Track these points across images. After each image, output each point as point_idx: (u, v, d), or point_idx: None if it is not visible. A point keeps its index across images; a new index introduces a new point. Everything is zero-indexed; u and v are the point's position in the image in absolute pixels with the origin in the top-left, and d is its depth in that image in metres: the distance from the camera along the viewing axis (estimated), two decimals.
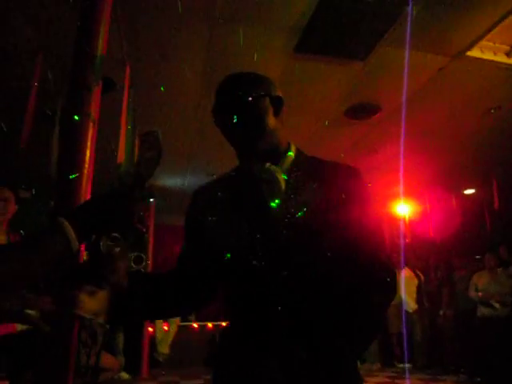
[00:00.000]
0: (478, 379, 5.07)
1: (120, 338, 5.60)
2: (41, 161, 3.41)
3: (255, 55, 3.17)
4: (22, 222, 2.39)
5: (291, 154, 1.13)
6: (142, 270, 7.03)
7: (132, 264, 7.10)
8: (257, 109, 1.07)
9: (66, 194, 1.21)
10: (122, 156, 3.12)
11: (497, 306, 4.80)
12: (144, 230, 6.41)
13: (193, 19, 2.80)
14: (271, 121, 1.09)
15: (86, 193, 1.23)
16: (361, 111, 4.13)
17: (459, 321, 5.45)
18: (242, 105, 1.07)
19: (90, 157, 1.22)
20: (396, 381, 5.30)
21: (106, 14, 1.41)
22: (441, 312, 5.79)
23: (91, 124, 1.24)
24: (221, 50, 3.11)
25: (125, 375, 5.51)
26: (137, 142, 3.94)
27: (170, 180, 5.99)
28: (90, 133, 1.25)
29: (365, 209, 1.07)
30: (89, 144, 1.23)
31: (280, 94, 1.13)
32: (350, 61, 3.28)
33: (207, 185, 1.20)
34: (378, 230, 1.11)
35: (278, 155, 1.11)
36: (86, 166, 1.22)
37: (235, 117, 1.07)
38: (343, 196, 1.05)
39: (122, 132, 3.18)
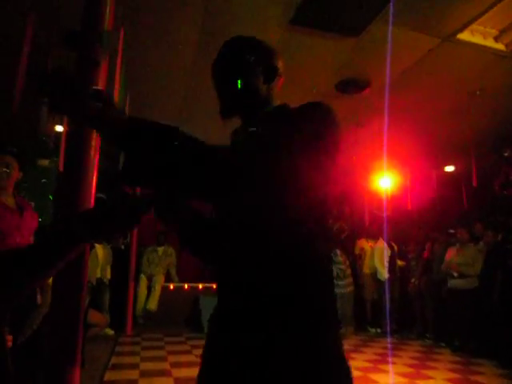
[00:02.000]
0: (442, 344, 5.47)
1: (106, 296, 5.77)
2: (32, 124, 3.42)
3: (251, 24, 3.19)
4: (39, 186, 2.46)
5: (269, 108, 1.13)
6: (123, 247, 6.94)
7: None
8: (240, 73, 1.10)
9: (75, 166, 1.29)
10: None
11: (455, 275, 5.11)
12: (130, 190, 6.44)
13: None
14: (258, 86, 1.12)
15: (93, 164, 1.31)
16: (351, 86, 4.20)
17: (430, 290, 5.79)
18: (225, 67, 1.12)
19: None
20: (368, 343, 5.67)
21: None
22: (412, 281, 6.12)
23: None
24: (216, 18, 3.10)
25: (109, 331, 5.72)
26: (127, 106, 3.96)
27: None
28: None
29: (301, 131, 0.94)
30: None
31: (277, 63, 1.15)
32: (344, 36, 3.32)
33: None
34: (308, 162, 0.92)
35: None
36: (94, 138, 1.30)
37: (219, 78, 1.13)
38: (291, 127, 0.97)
39: (115, 93, 3.20)
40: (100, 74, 1.34)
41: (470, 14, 3.07)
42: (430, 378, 4.09)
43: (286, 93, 4.22)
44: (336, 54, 3.59)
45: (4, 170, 2.27)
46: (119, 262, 6.06)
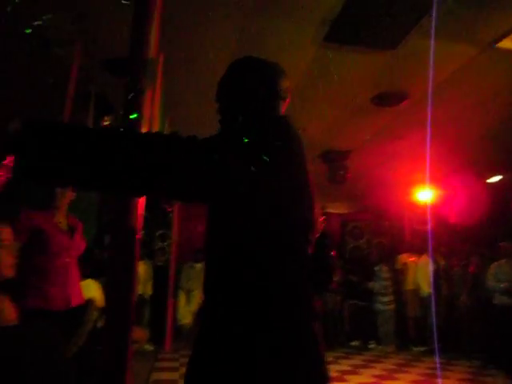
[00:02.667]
0: (491, 366, 5.17)
1: (146, 311, 5.89)
2: None
3: (285, 43, 3.23)
4: (76, 205, 2.59)
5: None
6: (166, 248, 7.29)
7: (157, 241, 7.38)
8: (239, 96, 1.18)
9: None
10: None
11: (502, 286, 4.83)
12: (170, 209, 6.61)
13: (227, 9, 2.87)
14: (257, 108, 1.16)
15: None
16: (388, 98, 4.15)
17: (478, 307, 5.51)
18: (226, 89, 1.21)
19: None
20: (411, 363, 5.45)
21: (156, 20, 1.51)
22: (461, 298, 5.84)
23: (147, 123, 1.37)
24: (252, 40, 3.17)
25: (149, 347, 5.82)
26: (168, 123, 4.08)
27: None
28: (145, 130, 1.38)
29: None
30: None
31: (281, 85, 1.19)
32: (379, 50, 3.30)
33: None
34: None
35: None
36: None
37: (220, 98, 1.22)
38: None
39: (155, 118, 3.32)
40: (145, 101, 1.40)
41: (508, 23, 2.98)
42: None
43: (321, 108, 4.26)
44: (372, 68, 3.57)
45: (59, 190, 2.37)
46: (159, 278, 6.19)
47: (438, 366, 5.19)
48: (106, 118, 4.00)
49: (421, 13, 2.86)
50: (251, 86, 1.17)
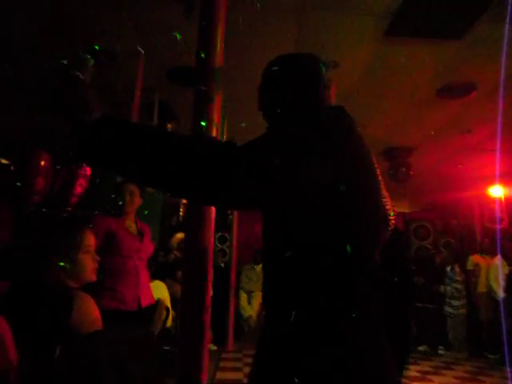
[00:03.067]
0: None
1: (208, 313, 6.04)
2: None
3: (345, 40, 3.17)
4: (141, 211, 2.73)
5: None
6: (226, 250, 7.45)
7: (217, 243, 7.54)
8: (277, 87, 1.17)
9: None
10: None
11: None
12: (230, 212, 6.73)
13: (281, 11, 2.87)
14: (294, 99, 1.13)
15: None
16: (454, 90, 3.92)
17: None
18: (265, 82, 1.24)
19: None
20: (485, 371, 5.11)
21: (221, 28, 1.54)
22: None
23: (215, 129, 1.40)
24: (310, 40, 3.14)
25: (213, 346, 5.95)
26: (226, 128, 4.16)
27: None
28: (214, 135, 1.41)
29: None
30: None
31: (320, 75, 1.14)
32: (444, 40, 3.13)
33: None
34: None
35: None
36: None
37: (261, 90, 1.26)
38: None
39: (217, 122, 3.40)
40: (214, 109, 1.43)
41: None
42: None
43: (385, 105, 4.13)
44: (436, 59, 3.39)
45: (129, 197, 2.53)
46: (220, 279, 6.32)
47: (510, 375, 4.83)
48: (168, 126, 4.16)
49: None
50: (294, 81, 1.14)
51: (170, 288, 4.22)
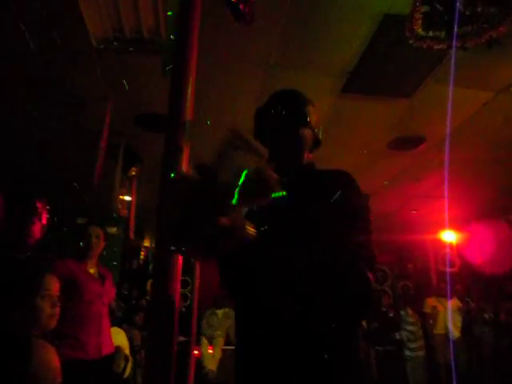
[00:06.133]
0: None
1: None
2: (107, 196, 3.76)
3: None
4: (109, 254, 2.69)
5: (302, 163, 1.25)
6: (188, 294, 7.28)
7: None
8: (305, 124, 1.24)
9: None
10: None
11: None
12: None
13: (248, 66, 3.07)
14: (309, 144, 1.27)
15: None
16: (405, 143, 4.23)
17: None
18: (294, 114, 1.23)
19: None
20: None
21: (192, 82, 1.64)
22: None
23: None
24: (272, 88, 3.34)
25: None
26: None
27: None
28: None
29: (347, 208, 1.06)
30: None
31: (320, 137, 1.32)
32: (395, 98, 3.43)
33: None
34: (360, 232, 1.07)
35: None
36: None
37: (284, 123, 1.22)
38: (329, 196, 1.07)
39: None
40: (183, 159, 1.50)
41: None
42: None
43: (340, 155, 4.37)
44: (388, 115, 3.69)
45: (95, 240, 2.49)
46: (181, 324, 6.14)
47: None
48: (133, 169, 4.19)
49: (434, 62, 2.99)
50: (312, 122, 1.30)
51: (127, 334, 4.07)
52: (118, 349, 2.81)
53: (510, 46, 2.81)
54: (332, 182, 1.14)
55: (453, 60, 2.39)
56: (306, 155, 1.25)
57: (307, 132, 1.24)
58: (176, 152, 1.51)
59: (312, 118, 1.26)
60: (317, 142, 1.29)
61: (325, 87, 3.25)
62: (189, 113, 1.62)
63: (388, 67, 3.04)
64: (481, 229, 6.39)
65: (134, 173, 4.20)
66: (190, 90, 1.65)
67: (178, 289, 1.40)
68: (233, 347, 6.82)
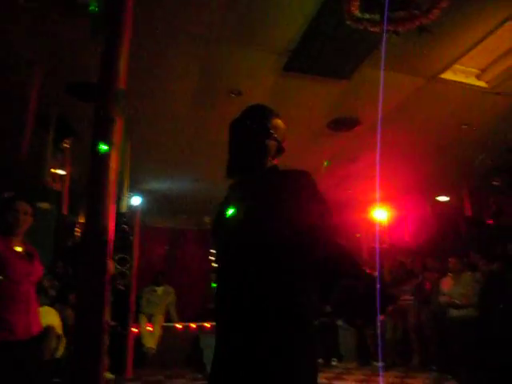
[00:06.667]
0: (449, 376, 5.41)
1: (104, 338, 5.69)
2: (37, 170, 3.54)
3: (247, 72, 3.38)
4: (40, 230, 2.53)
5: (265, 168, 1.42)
6: (127, 272, 7.11)
7: (116, 265, 7.19)
8: (263, 136, 1.41)
9: (95, 212, 1.38)
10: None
11: (460, 304, 5.10)
12: (129, 231, 6.48)
13: (189, 39, 2.98)
14: (270, 151, 1.42)
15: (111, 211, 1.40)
16: (342, 124, 4.38)
17: (432, 322, 5.77)
18: (249, 128, 1.41)
19: (114, 179, 1.41)
20: (372, 378, 5.58)
21: (125, 51, 1.58)
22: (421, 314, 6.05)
23: (115, 151, 1.42)
24: (214, 70, 3.30)
25: (109, 375, 5.60)
26: (128, 150, 4.09)
27: (158, 184, 6.13)
28: (114, 158, 1.42)
29: (304, 204, 1.28)
30: (114, 167, 1.41)
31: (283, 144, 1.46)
32: (334, 79, 3.52)
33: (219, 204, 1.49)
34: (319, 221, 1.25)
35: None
36: (111, 188, 1.40)
37: (241, 136, 1.41)
38: (287, 195, 1.29)
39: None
40: (115, 130, 1.45)
41: (451, 55, 3.28)
42: None
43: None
44: (327, 95, 3.78)
45: (22, 216, 2.32)
46: (118, 303, 6.02)
47: (398, 380, 5.36)
48: (66, 141, 3.96)
49: (371, 46, 3.10)
50: (270, 132, 1.45)
51: (61, 313, 3.93)
52: (49, 328, 2.71)
53: (440, 34, 2.98)
54: (289, 182, 1.33)
55: (383, 42, 2.49)
56: (269, 161, 1.42)
57: (270, 143, 1.41)
58: (107, 123, 1.46)
59: (275, 129, 1.43)
60: (281, 149, 1.45)
61: (267, 64, 3.26)
62: (121, 83, 1.56)
63: (329, 48, 3.11)
64: (407, 208, 6.85)
65: (66, 145, 3.98)
66: (122, 61, 1.60)
67: (109, 266, 1.37)
68: (172, 324, 6.84)
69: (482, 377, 4.86)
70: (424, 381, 5.31)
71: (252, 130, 1.40)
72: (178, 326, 6.91)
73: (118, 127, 1.49)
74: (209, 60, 3.18)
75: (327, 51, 3.14)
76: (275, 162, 1.45)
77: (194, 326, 6.94)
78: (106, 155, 1.37)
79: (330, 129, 4.43)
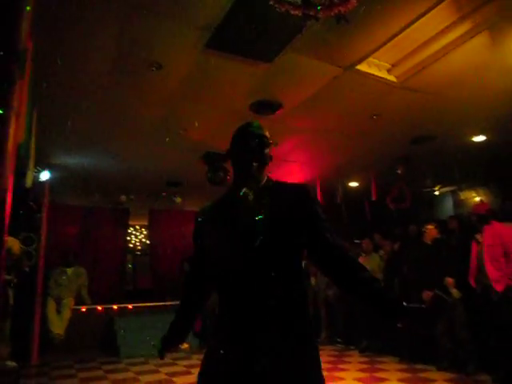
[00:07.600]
0: (352, 347, 5.92)
1: (7, 323, 5.28)
2: None
3: (168, 47, 3.27)
4: None
5: (264, 180, 1.58)
6: (33, 252, 6.64)
7: (21, 245, 6.66)
8: (267, 149, 1.57)
9: None
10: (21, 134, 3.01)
11: None
12: (35, 208, 6.01)
13: (105, 7, 2.79)
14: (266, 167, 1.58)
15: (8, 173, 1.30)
16: (264, 107, 4.44)
17: (339, 299, 6.20)
18: (259, 143, 1.55)
19: (12, 147, 1.29)
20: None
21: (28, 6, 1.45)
22: (329, 292, 6.46)
23: (15, 116, 1.30)
24: (132, 40, 3.14)
25: (11, 363, 5.23)
26: (35, 118, 3.77)
27: (70, 158, 5.72)
28: (14, 124, 1.31)
29: (315, 219, 1.49)
30: (12, 133, 1.30)
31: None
32: (257, 61, 3.53)
33: (206, 207, 1.63)
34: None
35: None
36: (10, 153, 1.29)
37: (255, 150, 1.54)
38: (295, 209, 1.46)
39: (23, 108, 3.06)
40: (15, 94, 1.34)
41: (367, 48, 3.45)
42: (341, 379, 4.39)
43: (205, 112, 4.37)
44: (250, 77, 3.80)
45: None
46: (24, 285, 5.60)
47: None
48: None
49: (294, 31, 3.16)
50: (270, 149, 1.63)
51: None
52: None
53: (358, 26, 3.12)
54: (292, 197, 1.51)
55: (304, 29, 2.54)
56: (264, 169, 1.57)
57: (268, 151, 1.58)
58: (5, 84, 1.34)
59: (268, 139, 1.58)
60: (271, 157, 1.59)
61: (190, 39, 3.17)
62: (23, 42, 1.44)
63: (252, 29, 3.10)
64: (324, 189, 7.19)
65: None
66: (25, 20, 1.46)
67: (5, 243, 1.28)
68: (81, 307, 6.53)
69: (382, 346, 5.37)
70: (330, 353, 5.75)
71: (263, 144, 1.53)
72: (90, 308, 6.63)
73: (20, 90, 1.37)
74: (129, 26, 3.00)
75: (251, 32, 3.13)
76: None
77: (108, 307, 6.71)
78: (3, 119, 1.25)
79: (252, 111, 4.46)
